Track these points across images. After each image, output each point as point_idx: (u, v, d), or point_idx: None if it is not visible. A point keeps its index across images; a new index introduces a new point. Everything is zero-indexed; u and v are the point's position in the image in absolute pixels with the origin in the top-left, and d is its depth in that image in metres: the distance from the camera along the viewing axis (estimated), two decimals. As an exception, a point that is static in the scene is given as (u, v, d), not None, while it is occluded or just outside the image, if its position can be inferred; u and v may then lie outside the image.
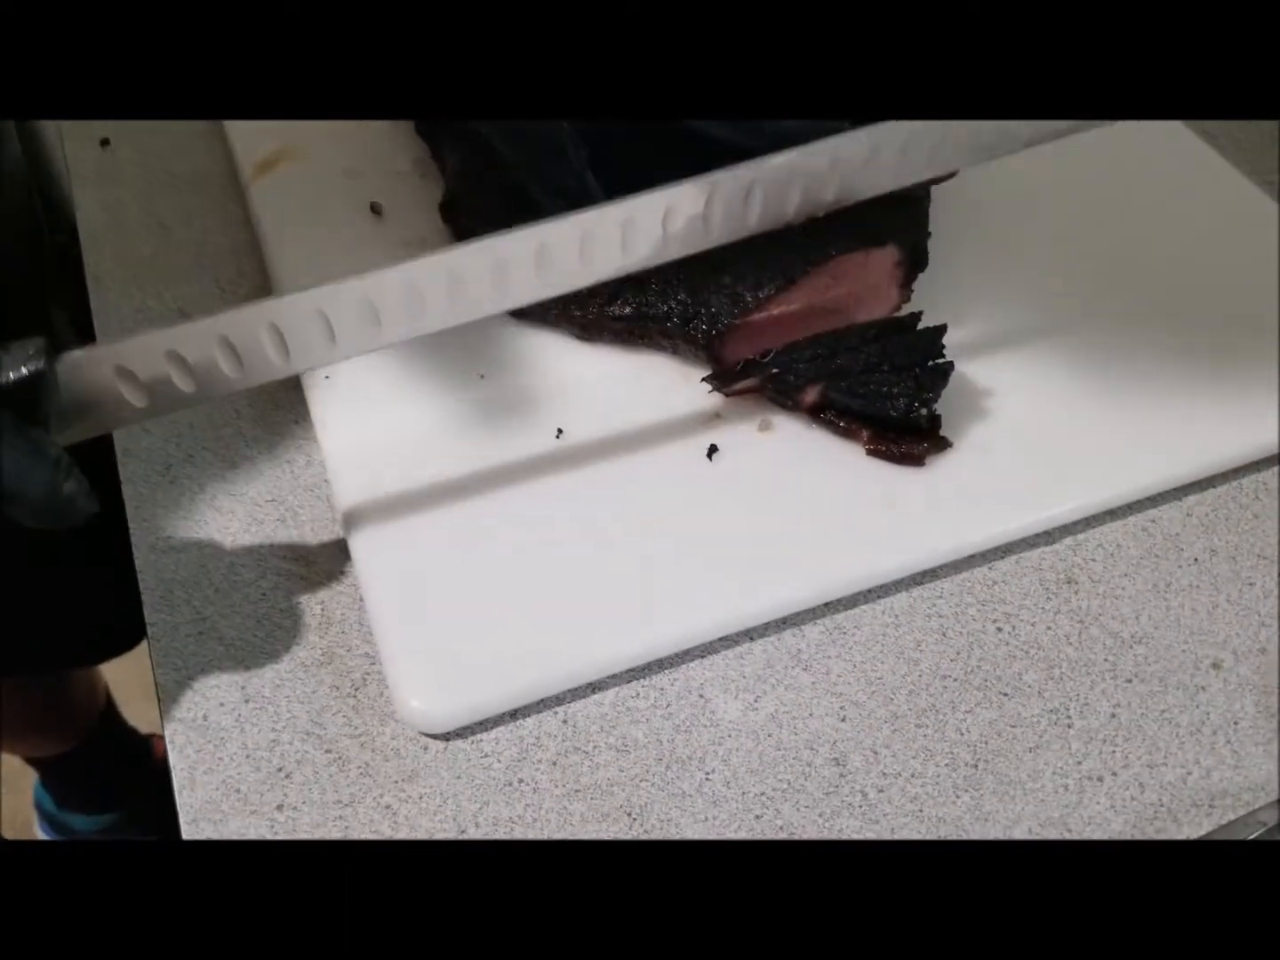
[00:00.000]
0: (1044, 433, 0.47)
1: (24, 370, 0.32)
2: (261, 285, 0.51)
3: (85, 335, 0.49)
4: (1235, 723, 0.41)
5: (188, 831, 0.36)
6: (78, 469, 0.33)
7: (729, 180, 0.40)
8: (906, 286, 0.49)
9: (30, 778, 1.09)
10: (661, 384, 0.47)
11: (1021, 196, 0.56)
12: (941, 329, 0.45)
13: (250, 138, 0.55)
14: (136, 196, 0.54)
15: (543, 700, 0.40)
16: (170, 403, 0.36)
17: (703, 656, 0.41)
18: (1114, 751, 0.40)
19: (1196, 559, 0.45)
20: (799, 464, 0.45)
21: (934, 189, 0.50)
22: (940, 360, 0.45)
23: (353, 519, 0.42)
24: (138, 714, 1.06)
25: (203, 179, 0.56)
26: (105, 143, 0.57)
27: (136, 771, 1.04)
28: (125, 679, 1.01)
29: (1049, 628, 0.43)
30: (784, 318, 0.47)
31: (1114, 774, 0.40)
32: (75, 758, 1.01)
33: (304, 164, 0.54)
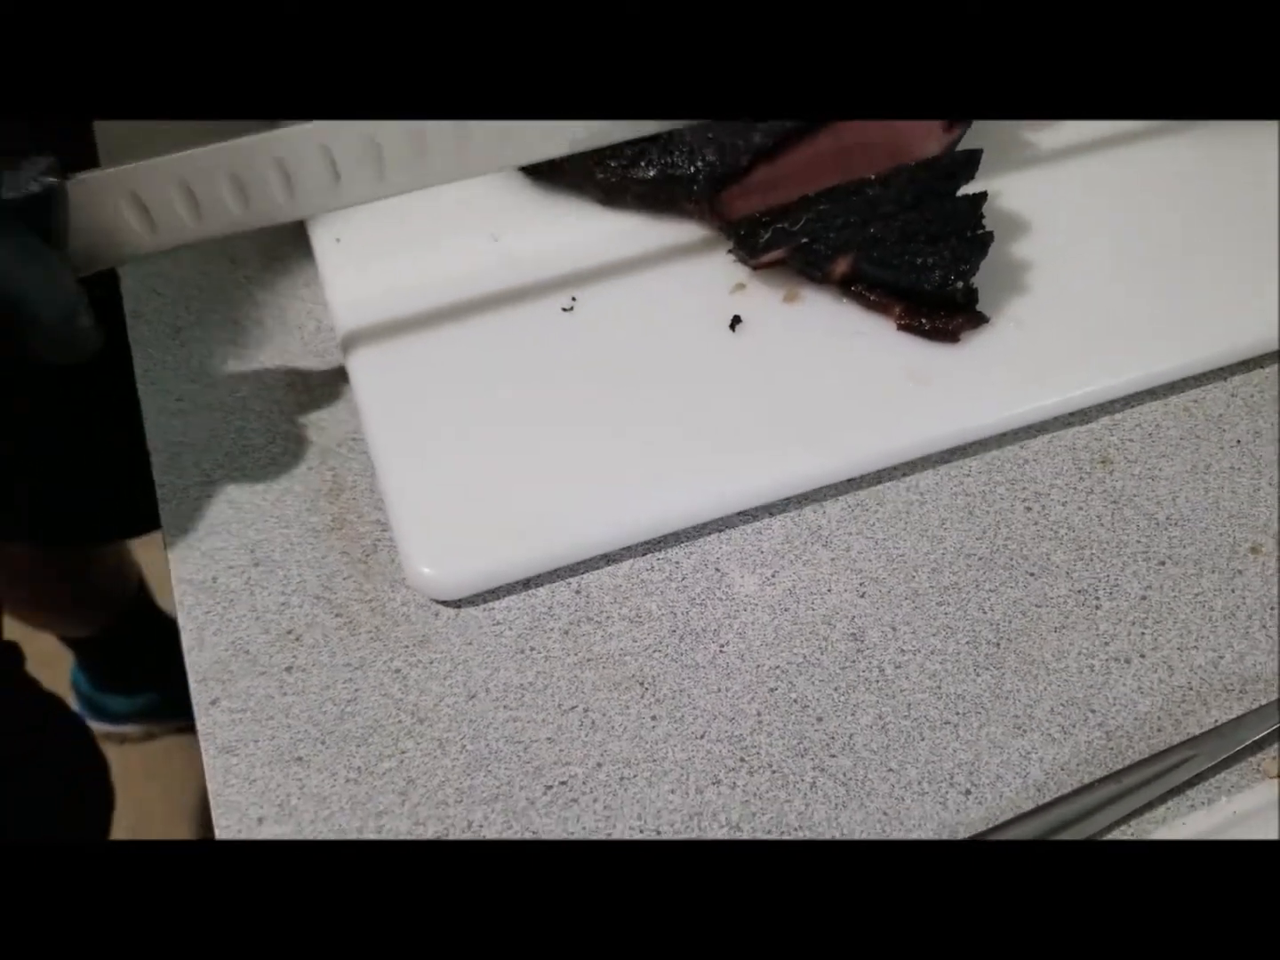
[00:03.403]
0: (1084, 308, 0.45)
1: (35, 186, 0.31)
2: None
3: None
4: (1271, 608, 0.39)
5: (196, 690, 0.36)
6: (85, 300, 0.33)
7: None
8: (951, 132, 0.46)
9: (68, 660, 1.11)
10: (685, 251, 0.45)
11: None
12: (981, 197, 0.43)
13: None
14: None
15: (555, 570, 0.39)
16: (177, 235, 0.36)
17: (720, 531, 0.40)
18: (1143, 634, 0.39)
19: (1239, 441, 0.43)
20: (826, 337, 0.43)
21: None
22: (979, 230, 0.43)
23: (363, 384, 0.41)
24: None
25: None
26: None
27: (171, 654, 1.05)
28: (163, 571, 1.02)
29: (1080, 508, 0.41)
30: (811, 162, 0.44)
31: (1142, 656, 0.38)
32: (109, 638, 1.02)
33: None
